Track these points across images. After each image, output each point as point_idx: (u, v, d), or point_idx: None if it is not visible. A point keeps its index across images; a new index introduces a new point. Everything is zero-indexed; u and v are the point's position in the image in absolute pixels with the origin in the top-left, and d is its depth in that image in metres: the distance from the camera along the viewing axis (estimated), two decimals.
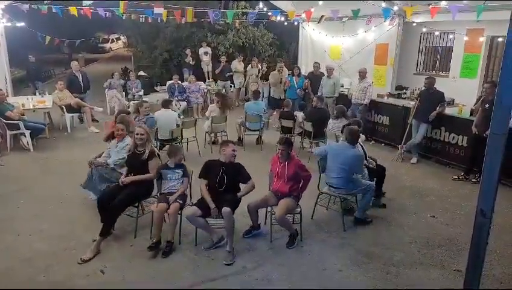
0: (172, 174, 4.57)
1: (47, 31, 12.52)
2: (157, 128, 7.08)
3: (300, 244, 4.53)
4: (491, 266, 4.07)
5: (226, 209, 4.14)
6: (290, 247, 4.44)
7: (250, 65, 12.60)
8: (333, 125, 6.86)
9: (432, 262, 4.21)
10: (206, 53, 14.10)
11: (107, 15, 10.11)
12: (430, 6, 7.53)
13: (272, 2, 12.10)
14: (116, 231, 4.55)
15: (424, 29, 9.98)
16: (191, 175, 4.75)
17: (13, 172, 6.71)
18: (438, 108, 7.01)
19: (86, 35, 22.03)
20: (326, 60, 11.17)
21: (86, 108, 9.44)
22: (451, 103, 8.02)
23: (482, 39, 9.01)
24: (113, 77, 11.34)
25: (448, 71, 10.26)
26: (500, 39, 8.86)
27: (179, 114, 8.80)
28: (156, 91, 13.14)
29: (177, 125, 7.33)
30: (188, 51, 13.97)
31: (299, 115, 8.05)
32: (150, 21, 12.27)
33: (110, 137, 5.54)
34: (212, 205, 4.26)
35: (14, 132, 7.74)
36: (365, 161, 5.32)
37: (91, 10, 9.51)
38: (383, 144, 8.44)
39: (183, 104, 10.77)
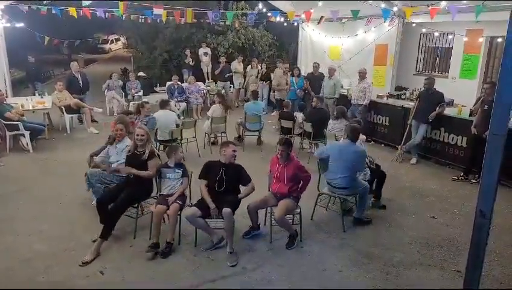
0: (172, 173, 4.57)
1: (46, 31, 12.54)
2: (156, 129, 7.07)
3: (300, 245, 4.53)
4: (490, 267, 4.07)
5: (226, 210, 4.14)
6: (289, 248, 4.43)
7: (249, 66, 12.61)
8: (333, 126, 6.86)
9: (431, 262, 4.21)
10: (205, 54, 14.11)
11: (107, 16, 10.11)
12: (430, 7, 7.54)
13: (271, 2, 12.10)
14: (116, 231, 4.54)
15: (424, 30, 10.00)
16: (190, 176, 4.75)
17: (13, 173, 6.70)
18: (437, 108, 7.02)
19: (86, 36, 22.10)
20: (326, 60, 11.18)
21: (86, 109, 9.43)
22: (451, 103, 8.03)
23: (481, 40, 9.03)
24: (111, 78, 11.33)
25: (448, 72, 10.28)
26: (499, 39, 8.87)
27: (178, 115, 8.80)
28: (156, 92, 13.17)
29: (177, 126, 7.33)
30: (187, 52, 13.98)
31: (299, 115, 8.05)
32: (149, 22, 12.27)
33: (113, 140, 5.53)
34: (212, 206, 4.26)
35: (14, 132, 7.73)
36: (367, 159, 5.32)
37: (90, 11, 9.52)
38: (382, 145, 8.44)
39: (183, 104, 10.77)
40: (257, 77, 12.10)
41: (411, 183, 6.46)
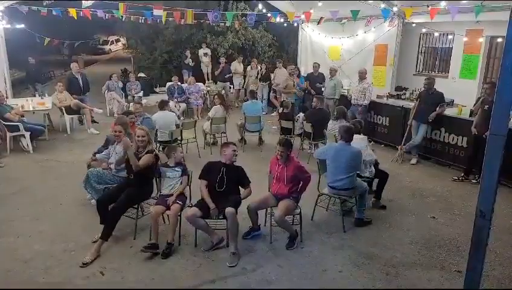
0: (172, 172, 4.57)
1: (47, 32, 12.57)
2: (156, 130, 7.08)
3: (300, 245, 4.53)
4: (491, 267, 4.07)
5: (230, 210, 4.13)
6: (289, 248, 4.43)
7: (249, 66, 12.62)
8: (333, 127, 6.86)
9: (431, 263, 4.20)
10: (205, 54, 14.13)
11: (107, 16, 10.13)
12: (430, 7, 7.54)
13: (270, 2, 12.11)
14: (116, 232, 4.54)
15: (424, 30, 10.00)
16: (190, 176, 4.75)
17: (13, 174, 6.70)
18: (437, 109, 7.02)
19: (86, 37, 22.12)
20: (326, 61, 11.19)
21: (86, 109, 9.44)
22: (451, 103, 8.03)
23: (481, 40, 9.03)
24: (111, 79, 11.32)
25: (448, 72, 10.28)
26: (499, 40, 8.87)
27: (178, 116, 8.81)
28: (156, 92, 13.17)
29: (177, 126, 7.33)
30: (187, 52, 13.99)
31: (301, 116, 8.06)
32: (149, 22, 12.29)
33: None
34: (212, 205, 4.26)
35: (14, 133, 7.73)
36: (372, 158, 5.36)
37: (90, 12, 9.54)
38: (382, 145, 8.44)
39: (183, 105, 10.78)
40: (257, 77, 12.11)
41: (411, 184, 6.45)
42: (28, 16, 9.80)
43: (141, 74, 14.12)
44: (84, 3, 8.73)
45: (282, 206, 4.38)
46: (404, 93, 9.36)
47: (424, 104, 7.13)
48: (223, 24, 14.07)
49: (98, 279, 3.88)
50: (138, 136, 4.64)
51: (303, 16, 10.69)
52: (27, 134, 7.75)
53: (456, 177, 6.59)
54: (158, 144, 7.13)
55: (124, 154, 4.63)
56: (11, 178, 6.47)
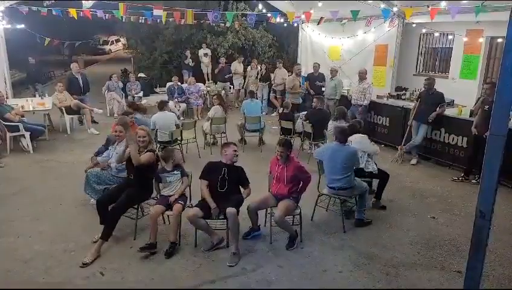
0: (171, 176, 4.54)
1: (47, 33, 12.58)
2: (156, 131, 7.07)
3: (300, 245, 4.53)
4: (491, 267, 4.07)
5: (231, 210, 4.13)
6: (289, 248, 4.43)
7: (249, 67, 12.62)
8: (333, 127, 6.86)
9: (431, 263, 4.20)
10: (205, 54, 14.13)
11: (107, 17, 10.14)
12: (430, 7, 7.54)
13: (270, 2, 12.11)
14: (116, 232, 4.54)
15: (424, 30, 9.99)
16: (191, 177, 4.75)
17: (13, 174, 6.70)
18: (437, 109, 7.01)
19: (86, 37, 22.13)
20: (326, 61, 11.19)
21: (86, 110, 9.44)
22: (451, 103, 8.02)
23: (481, 40, 9.03)
24: (111, 79, 11.32)
25: (448, 72, 10.27)
26: (499, 40, 8.87)
27: (178, 116, 8.80)
28: (156, 92, 13.18)
29: (177, 126, 7.32)
30: (187, 53, 13.99)
31: (301, 114, 8.07)
32: (149, 23, 12.29)
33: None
34: (213, 205, 4.26)
35: (14, 133, 7.73)
36: (375, 148, 5.45)
37: (90, 12, 9.54)
38: (382, 145, 8.42)
39: (183, 105, 10.78)
40: (257, 77, 12.11)
41: (411, 184, 6.45)
42: (28, 16, 9.81)
43: (141, 74, 14.13)
44: (85, 4, 8.73)
45: (282, 206, 4.38)
46: (404, 94, 9.36)
47: (424, 104, 7.13)
48: (223, 24, 14.07)
49: (98, 279, 3.88)
50: (139, 136, 4.64)
51: (303, 16, 10.68)
52: (27, 134, 7.75)
53: (456, 178, 6.58)
54: (158, 145, 7.13)
55: (123, 152, 4.63)
56: (11, 178, 6.47)
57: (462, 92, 8.81)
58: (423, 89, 7.41)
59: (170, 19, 10.85)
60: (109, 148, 5.38)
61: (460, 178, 6.55)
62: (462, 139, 6.90)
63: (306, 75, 11.00)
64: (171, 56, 15.71)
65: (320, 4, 9.15)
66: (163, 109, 7.31)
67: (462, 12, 7.28)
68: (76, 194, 5.61)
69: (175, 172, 4.56)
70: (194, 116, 10.76)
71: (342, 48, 11.08)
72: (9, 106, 8.09)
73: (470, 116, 7.03)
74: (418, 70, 11.28)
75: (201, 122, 8.83)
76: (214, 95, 9.58)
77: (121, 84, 11.58)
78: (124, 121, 5.20)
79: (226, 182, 4.39)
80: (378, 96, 8.98)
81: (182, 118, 9.81)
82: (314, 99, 7.87)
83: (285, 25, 12.67)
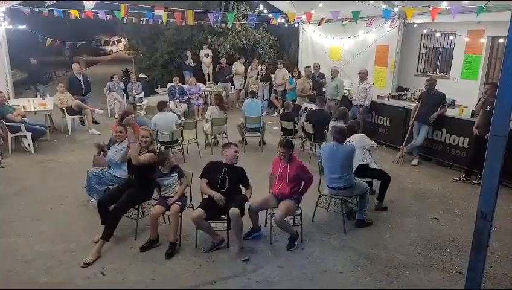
0: (169, 179, 4.51)
1: (48, 33, 12.60)
2: (157, 131, 7.08)
3: (301, 246, 4.52)
4: (492, 268, 4.06)
5: (234, 211, 4.14)
6: (290, 249, 4.43)
7: (249, 67, 12.61)
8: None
9: (432, 264, 4.19)
10: (206, 55, 14.14)
11: (108, 18, 10.15)
12: (431, 7, 7.54)
13: (271, 3, 12.11)
14: (117, 232, 4.54)
15: (425, 31, 9.98)
16: (191, 177, 4.75)
17: (14, 174, 6.72)
18: (439, 109, 7.00)
19: (87, 38, 22.18)
20: (326, 61, 11.18)
21: (87, 110, 9.45)
22: (452, 104, 8.01)
23: (482, 40, 9.01)
24: (112, 80, 11.34)
25: (449, 72, 10.26)
26: (501, 40, 8.85)
27: (179, 116, 8.80)
28: (157, 93, 13.19)
29: (179, 125, 7.31)
30: (188, 53, 14.00)
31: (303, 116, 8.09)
32: (150, 23, 12.30)
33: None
34: (217, 195, 4.24)
35: (16, 134, 7.75)
36: (374, 145, 5.48)
37: (92, 12, 9.56)
38: (383, 146, 8.42)
39: (184, 106, 10.79)
40: (257, 78, 12.10)
41: (412, 185, 6.44)
42: (30, 16, 9.82)
43: (142, 75, 14.14)
44: (86, 5, 8.74)
45: (282, 207, 4.38)
46: (406, 94, 9.35)
47: (425, 105, 7.11)
48: (224, 25, 14.08)
49: (98, 279, 3.88)
50: (142, 136, 4.65)
51: (304, 17, 10.69)
52: (29, 134, 7.76)
53: (457, 178, 6.57)
54: (159, 145, 7.14)
55: (126, 151, 4.63)
56: (12, 178, 6.48)
57: (463, 93, 8.79)
58: (424, 89, 7.40)
59: (171, 20, 10.85)
60: (110, 148, 5.39)
61: (461, 179, 6.53)
62: (464, 139, 6.88)
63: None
64: (172, 57, 15.73)
65: (321, 4, 9.15)
66: (163, 110, 7.31)
67: (463, 13, 7.27)
68: (77, 194, 5.62)
69: (172, 174, 4.53)
70: (195, 117, 10.76)
71: (342, 49, 11.08)
72: (10, 106, 8.10)
73: (471, 117, 7.02)
74: (419, 71, 11.27)
75: (202, 123, 8.83)
76: (213, 96, 9.59)
77: (122, 85, 11.60)
78: (129, 122, 5.22)
79: (226, 181, 4.39)
80: (379, 97, 8.98)
81: (182, 119, 9.81)
82: (316, 100, 7.87)
83: (286, 25, 12.68)
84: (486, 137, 5.67)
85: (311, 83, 9.93)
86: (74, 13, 9.63)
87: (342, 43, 11.03)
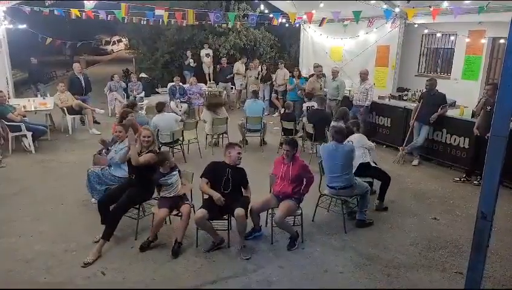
0: (171, 178, 4.49)
1: (49, 33, 12.59)
2: (157, 132, 7.07)
3: (301, 246, 4.52)
4: (492, 268, 4.06)
5: (239, 211, 4.15)
6: (290, 249, 4.43)
7: (248, 67, 12.61)
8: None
9: (433, 264, 4.19)
10: (207, 55, 14.14)
11: (109, 18, 10.15)
12: (432, 7, 7.53)
13: (272, 3, 12.11)
14: (117, 232, 4.54)
15: (426, 31, 9.99)
16: (191, 178, 4.74)
17: (14, 174, 6.72)
18: (439, 110, 7.00)
19: (88, 38, 22.17)
20: (327, 61, 11.18)
21: (88, 110, 9.46)
22: (453, 104, 8.00)
23: (483, 41, 9.02)
24: (112, 80, 11.34)
25: (450, 73, 10.26)
26: (502, 41, 8.85)
27: (180, 116, 8.78)
28: (157, 93, 13.18)
29: (180, 121, 7.31)
30: (188, 53, 14.00)
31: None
32: (151, 23, 12.31)
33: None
34: (216, 196, 4.22)
35: (16, 133, 7.75)
36: (371, 144, 5.49)
37: (93, 12, 9.56)
38: (384, 146, 8.42)
39: (184, 105, 10.79)
40: (257, 78, 12.10)
41: (413, 185, 6.44)
42: (30, 16, 9.82)
43: (143, 75, 14.14)
44: (87, 5, 8.74)
45: (283, 207, 4.38)
46: (406, 94, 9.35)
47: (426, 105, 7.11)
48: (225, 25, 14.09)
49: (99, 279, 3.88)
50: (144, 136, 4.65)
51: (305, 17, 10.69)
52: (29, 134, 7.77)
53: (458, 179, 6.57)
54: (160, 145, 7.13)
55: (126, 152, 4.63)
56: (12, 178, 6.48)
57: (464, 93, 8.80)
58: (425, 89, 7.40)
59: (172, 20, 10.85)
60: (109, 147, 5.40)
61: (462, 179, 6.53)
62: (464, 140, 6.88)
63: (308, 76, 10.99)
64: (172, 56, 15.74)
65: (322, 5, 9.15)
66: (163, 111, 7.29)
67: (464, 13, 7.27)
68: (78, 194, 5.62)
69: (173, 173, 4.53)
70: (195, 117, 10.76)
71: (343, 49, 11.08)
72: (11, 106, 8.10)
73: (471, 117, 7.02)
74: (419, 71, 11.27)
75: (202, 123, 8.83)
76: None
77: (123, 85, 11.60)
78: (131, 122, 5.22)
79: (230, 183, 4.38)
80: (379, 97, 8.97)
81: (183, 118, 9.81)
82: (316, 99, 7.88)
83: (287, 25, 12.68)
84: (486, 137, 5.69)
85: (322, 83, 9.66)
86: (75, 12, 9.64)
87: (342, 43, 11.03)
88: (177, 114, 8.22)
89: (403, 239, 4.71)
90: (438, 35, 9.85)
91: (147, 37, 16.27)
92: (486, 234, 2.49)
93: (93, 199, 5.20)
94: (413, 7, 8.26)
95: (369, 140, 5.78)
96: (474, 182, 6.38)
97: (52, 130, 9.24)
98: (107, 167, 5.20)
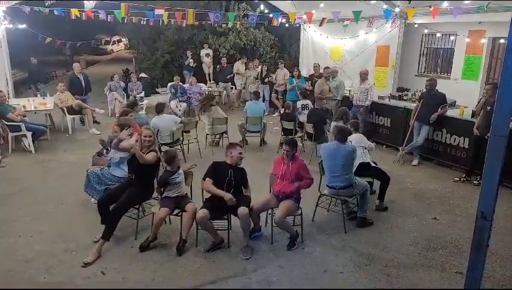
0: (179, 176, 4.52)
1: (49, 33, 12.61)
2: (157, 132, 7.07)
3: (301, 246, 4.52)
4: (492, 268, 4.06)
5: (243, 210, 4.17)
6: (290, 249, 4.43)
7: (247, 67, 12.61)
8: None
9: (432, 264, 4.19)
10: (207, 55, 14.14)
11: (109, 18, 10.15)
12: (432, 7, 7.53)
13: (272, 3, 12.11)
14: (117, 232, 4.54)
15: (426, 31, 9.99)
16: (191, 177, 4.74)
17: (14, 174, 6.72)
18: (439, 110, 7.00)
19: (88, 37, 22.16)
20: (327, 61, 11.18)
21: (87, 110, 9.45)
22: (453, 104, 8.00)
23: (483, 41, 9.02)
24: (112, 80, 11.34)
25: (450, 73, 10.26)
26: (501, 40, 8.85)
27: (179, 116, 8.78)
28: (157, 93, 13.20)
29: (180, 122, 7.30)
30: (188, 53, 14.01)
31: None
32: (151, 24, 12.31)
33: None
34: (228, 196, 4.22)
35: (16, 133, 7.75)
36: (371, 144, 5.51)
37: (92, 12, 9.56)
38: (384, 146, 8.42)
39: (184, 105, 10.79)
40: (256, 78, 12.10)
41: (413, 185, 6.44)
42: (30, 16, 9.82)
43: (143, 75, 14.15)
44: (87, 5, 8.74)
45: (283, 207, 4.38)
46: (406, 94, 9.35)
47: (426, 105, 7.11)
48: (224, 25, 14.09)
49: (99, 279, 3.88)
50: (145, 136, 4.65)
51: (305, 17, 10.69)
52: (29, 134, 7.76)
53: (458, 179, 6.57)
54: (160, 145, 7.13)
55: (128, 148, 4.65)
56: (12, 178, 6.48)
57: (464, 93, 8.80)
58: (425, 89, 7.40)
59: (172, 20, 10.85)
60: (108, 147, 5.39)
61: (461, 179, 6.53)
62: (464, 140, 6.87)
63: (308, 76, 11.00)
64: (172, 56, 15.74)
65: (322, 5, 9.15)
66: (162, 112, 7.28)
67: (464, 13, 7.27)
68: (78, 194, 5.61)
69: (180, 171, 4.55)
70: (195, 116, 10.75)
71: (343, 49, 11.08)
72: (11, 105, 8.10)
73: (471, 117, 7.02)
74: (419, 71, 11.27)
75: (201, 123, 8.82)
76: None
77: (123, 85, 11.60)
78: (128, 123, 5.22)
79: (232, 183, 4.39)
80: (379, 97, 8.97)
81: (183, 118, 9.81)
82: (316, 99, 7.88)
83: (287, 25, 12.68)
84: (486, 137, 5.69)
85: (330, 85, 9.26)
86: (75, 12, 9.64)
87: (342, 43, 11.03)
88: (176, 114, 8.21)
89: (403, 239, 4.71)
90: (438, 35, 9.86)
91: (147, 37, 16.27)
92: (486, 233, 2.49)
93: (93, 199, 5.19)
94: (414, 7, 8.26)
95: (369, 140, 5.78)
96: (474, 182, 6.38)
97: (52, 130, 9.24)
98: (107, 167, 5.20)
